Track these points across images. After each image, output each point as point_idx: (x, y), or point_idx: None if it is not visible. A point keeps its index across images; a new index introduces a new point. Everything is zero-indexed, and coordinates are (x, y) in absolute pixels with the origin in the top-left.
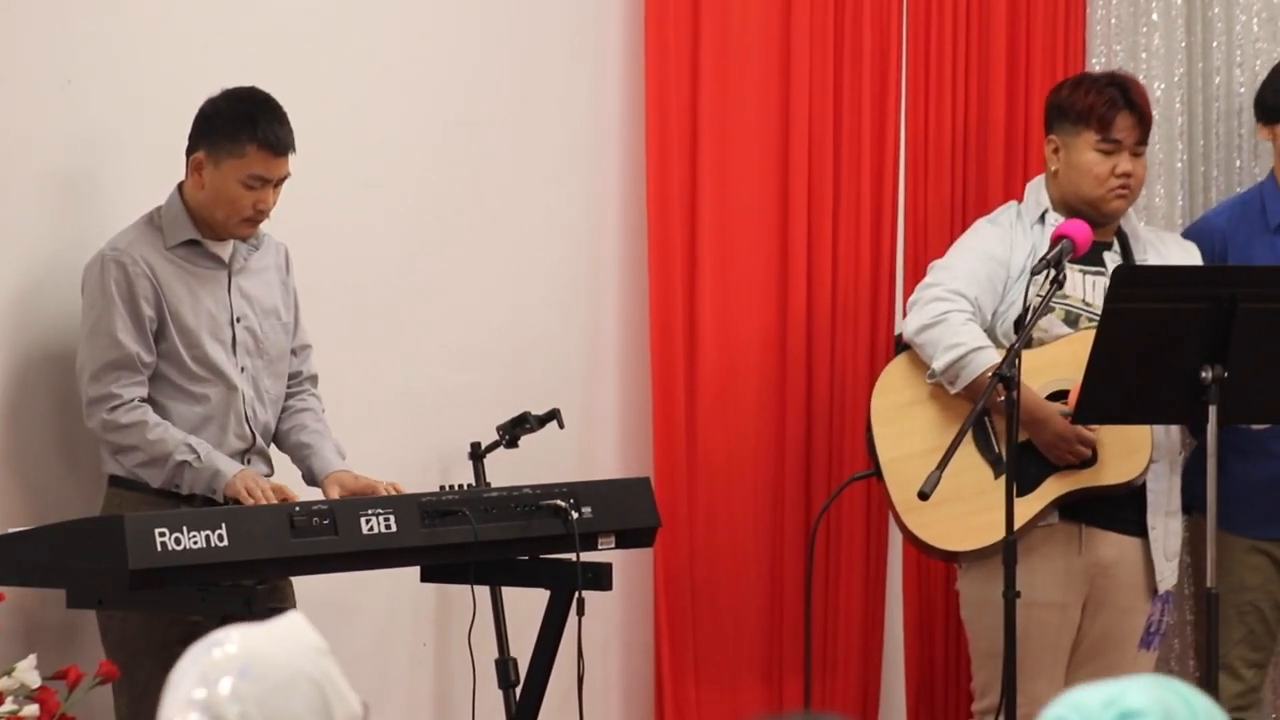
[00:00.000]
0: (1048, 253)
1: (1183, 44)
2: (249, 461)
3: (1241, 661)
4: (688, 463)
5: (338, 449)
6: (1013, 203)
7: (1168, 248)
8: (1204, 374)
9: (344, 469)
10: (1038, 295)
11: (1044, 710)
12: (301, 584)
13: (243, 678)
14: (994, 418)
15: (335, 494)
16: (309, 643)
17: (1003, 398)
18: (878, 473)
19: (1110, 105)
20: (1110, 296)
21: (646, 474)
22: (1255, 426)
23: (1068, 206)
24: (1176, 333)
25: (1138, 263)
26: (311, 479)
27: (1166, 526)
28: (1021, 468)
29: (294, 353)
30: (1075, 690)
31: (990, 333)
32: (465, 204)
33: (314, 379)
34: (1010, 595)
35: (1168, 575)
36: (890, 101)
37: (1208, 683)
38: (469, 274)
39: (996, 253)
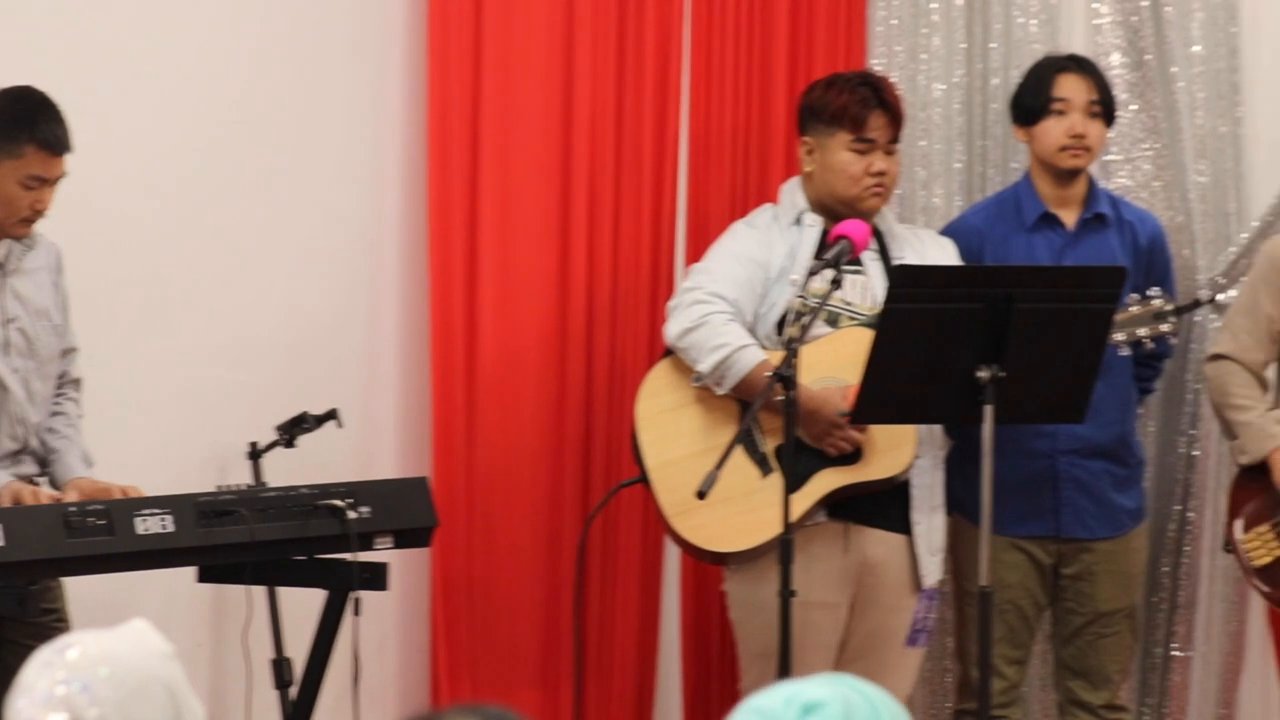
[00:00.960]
0: (826, 252)
1: (962, 45)
2: (21, 463)
3: (1002, 659)
4: (466, 463)
5: (84, 455)
6: (768, 205)
7: (925, 246)
8: (980, 374)
9: (86, 475)
10: (800, 296)
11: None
12: (77, 584)
13: (100, 681)
14: (760, 416)
15: (73, 499)
16: (158, 648)
17: (781, 397)
18: (645, 478)
19: (863, 105)
20: (889, 296)
21: (425, 474)
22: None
23: (824, 207)
24: (954, 333)
25: (896, 261)
26: (54, 483)
27: (930, 522)
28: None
29: (60, 355)
30: (753, 697)
31: (751, 334)
32: (243, 202)
33: (76, 383)
34: (785, 594)
35: (932, 571)
36: (671, 99)
37: (982, 680)
38: (247, 273)
39: (755, 255)
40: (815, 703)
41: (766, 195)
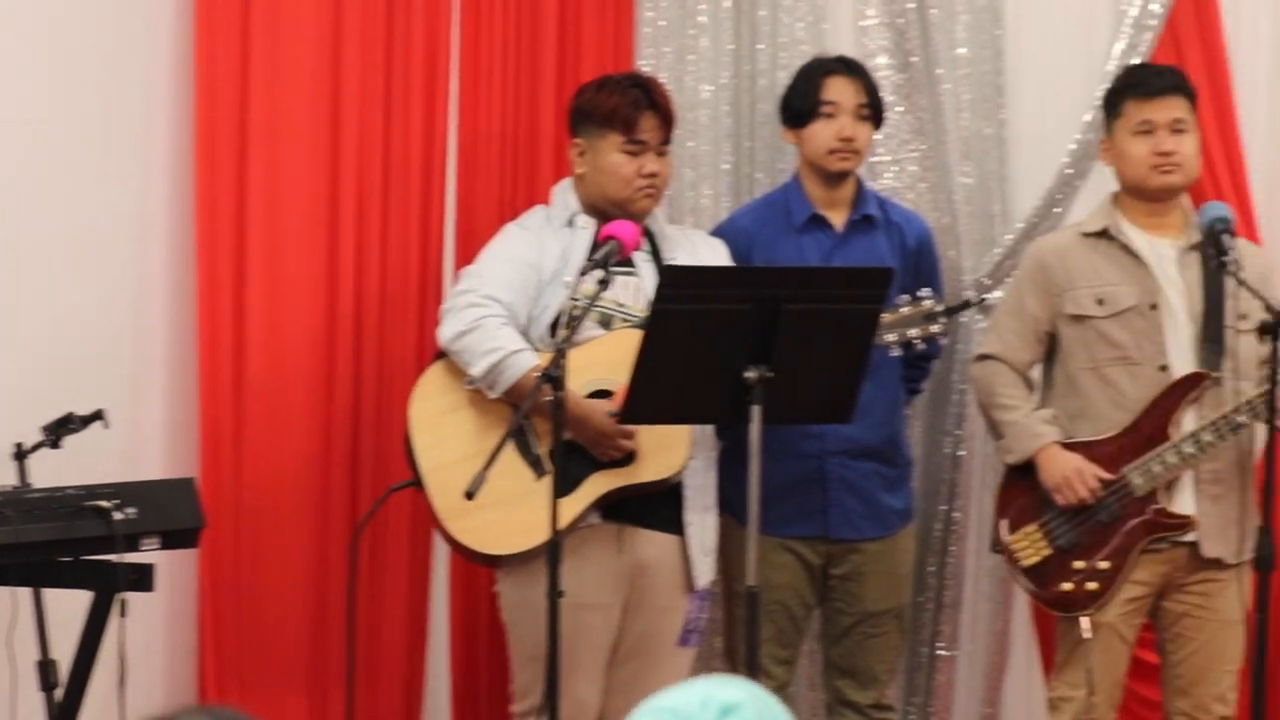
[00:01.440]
0: (595, 253)
1: (730, 47)
2: None
3: (771, 659)
4: (234, 466)
5: None
6: (540, 207)
7: (697, 247)
8: (748, 374)
9: None
10: (573, 299)
11: (630, 716)
12: None
13: None
14: (535, 419)
15: None
16: None
17: (548, 398)
18: (418, 481)
19: (634, 106)
20: (658, 297)
21: (192, 476)
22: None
23: (596, 209)
24: (722, 333)
25: (667, 262)
26: None
27: (703, 523)
28: (564, 467)
29: None
30: (658, 697)
31: (525, 336)
32: (7, 201)
33: None
34: (554, 595)
35: (704, 571)
36: (439, 101)
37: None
38: (11, 272)
39: (528, 256)
40: (732, 704)
41: (535, 198)
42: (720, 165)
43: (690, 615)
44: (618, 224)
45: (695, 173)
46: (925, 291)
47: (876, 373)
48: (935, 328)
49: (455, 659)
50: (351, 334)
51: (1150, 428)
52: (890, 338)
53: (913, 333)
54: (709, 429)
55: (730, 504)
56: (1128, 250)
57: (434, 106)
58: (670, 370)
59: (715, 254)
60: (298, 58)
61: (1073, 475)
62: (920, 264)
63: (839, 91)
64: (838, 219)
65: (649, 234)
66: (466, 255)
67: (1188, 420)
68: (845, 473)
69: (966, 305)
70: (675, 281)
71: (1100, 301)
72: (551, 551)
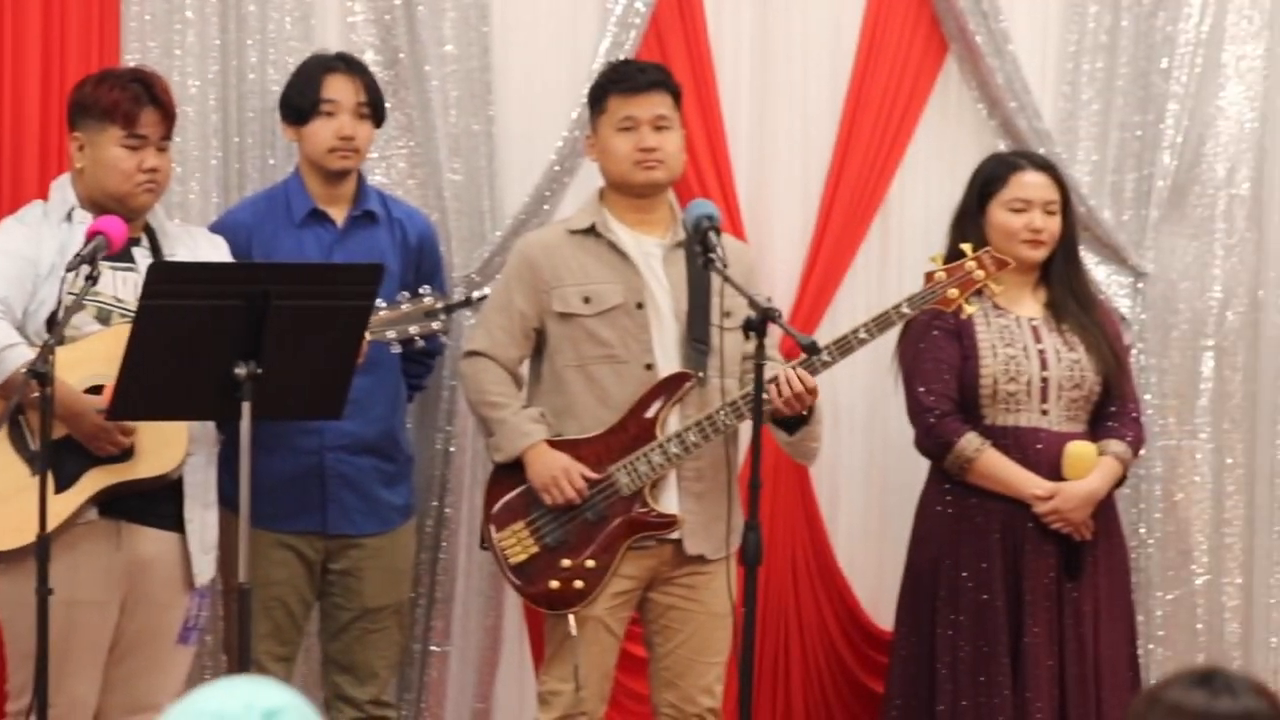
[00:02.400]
0: (81, 249)
1: (217, 41)
2: None
3: (269, 656)
4: None
5: None
6: (38, 201)
7: (197, 243)
8: (238, 370)
9: None
10: (70, 293)
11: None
12: None
13: None
14: (29, 414)
15: None
16: None
17: (37, 394)
18: None
19: (134, 101)
20: (144, 294)
21: None
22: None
23: (95, 203)
24: (212, 329)
25: (168, 258)
26: None
27: (203, 519)
28: (60, 463)
29: None
30: (197, 698)
31: (23, 331)
32: None
33: None
34: (43, 592)
35: (205, 568)
36: None
37: None
38: None
39: (25, 251)
40: (275, 708)
41: (23, 192)
42: (209, 161)
43: (190, 613)
44: (105, 220)
45: (183, 168)
46: (426, 289)
47: (377, 368)
48: (436, 324)
49: None
50: None
51: (636, 427)
52: (391, 334)
53: (414, 329)
54: (210, 425)
55: (230, 499)
56: (614, 248)
57: None
58: (158, 366)
59: (217, 251)
60: None
61: (560, 474)
62: (423, 261)
63: (339, 90)
64: (338, 214)
65: (150, 230)
66: None
67: (673, 419)
68: (344, 468)
69: (468, 302)
70: (161, 278)
71: (587, 299)
72: (40, 549)
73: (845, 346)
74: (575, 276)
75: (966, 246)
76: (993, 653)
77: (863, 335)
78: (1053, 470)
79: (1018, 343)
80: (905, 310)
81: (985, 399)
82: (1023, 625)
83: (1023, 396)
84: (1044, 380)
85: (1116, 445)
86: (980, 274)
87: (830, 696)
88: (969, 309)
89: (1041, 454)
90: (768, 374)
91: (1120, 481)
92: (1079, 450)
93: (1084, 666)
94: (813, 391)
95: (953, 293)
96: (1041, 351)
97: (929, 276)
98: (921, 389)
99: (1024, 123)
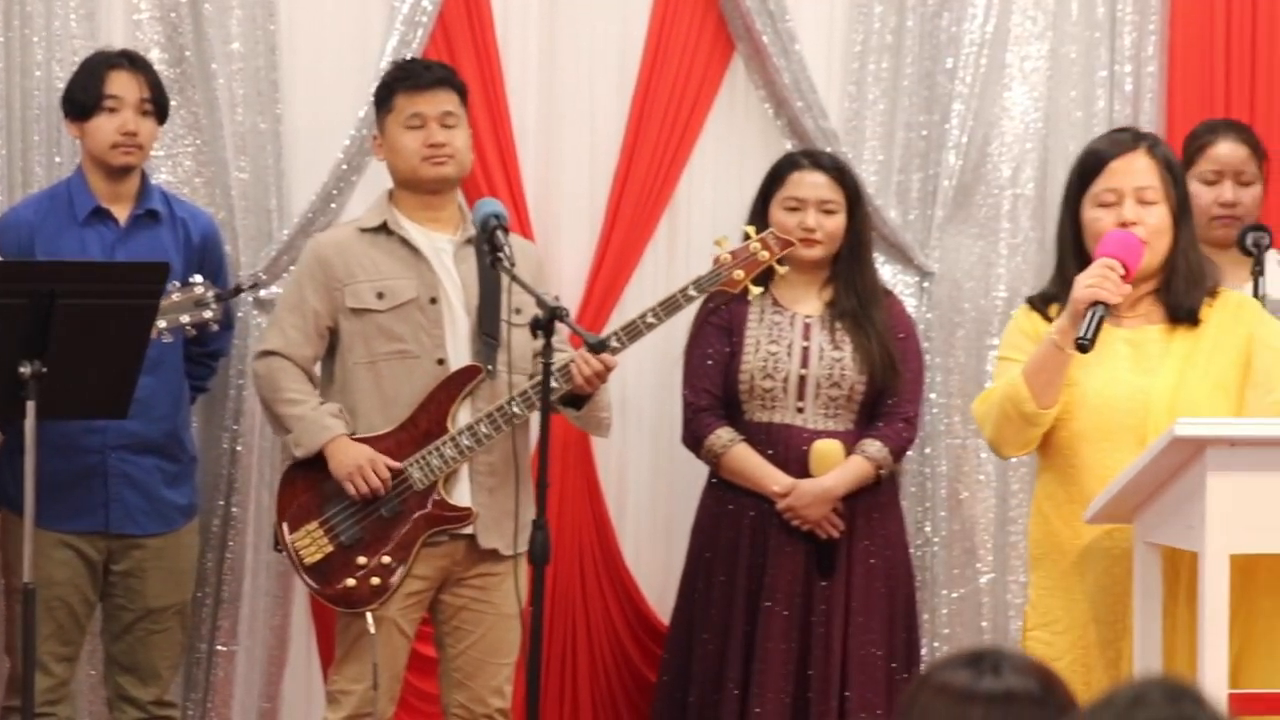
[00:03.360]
0: None
1: (1, 39)
2: None
3: (51, 656)
4: None
5: None
6: None
7: None
8: (23, 369)
9: None
10: None
11: None
12: None
13: None
14: None
15: None
16: None
17: None
18: None
19: None
20: None
21: None
22: None
23: None
24: None
25: None
26: None
27: None
28: None
29: None
30: None
31: None
32: None
33: None
34: None
35: None
36: None
37: (26, 679)
38: None
39: None
40: None
41: None
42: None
43: None
44: None
45: None
46: (197, 278)
47: (160, 367)
48: (207, 314)
49: None
50: None
51: (428, 422)
52: (161, 324)
53: (185, 319)
54: None
55: (11, 499)
56: (407, 244)
57: None
58: None
59: None
60: None
61: (365, 464)
62: (206, 259)
63: (122, 86)
64: (121, 213)
65: None
66: None
67: (464, 413)
68: (126, 468)
69: (238, 291)
70: None
71: (380, 295)
72: None
73: (634, 332)
74: (368, 273)
75: (749, 229)
76: (730, 646)
77: (650, 320)
78: (803, 468)
79: (783, 340)
80: (692, 293)
81: (744, 395)
82: (759, 622)
83: (779, 393)
84: (801, 378)
85: (870, 446)
86: (765, 255)
87: (617, 693)
88: (755, 290)
89: (793, 451)
90: (562, 360)
91: (877, 481)
92: (823, 449)
93: (830, 665)
94: (610, 369)
95: (738, 274)
96: (805, 349)
97: (716, 260)
98: (687, 384)
99: (810, 122)
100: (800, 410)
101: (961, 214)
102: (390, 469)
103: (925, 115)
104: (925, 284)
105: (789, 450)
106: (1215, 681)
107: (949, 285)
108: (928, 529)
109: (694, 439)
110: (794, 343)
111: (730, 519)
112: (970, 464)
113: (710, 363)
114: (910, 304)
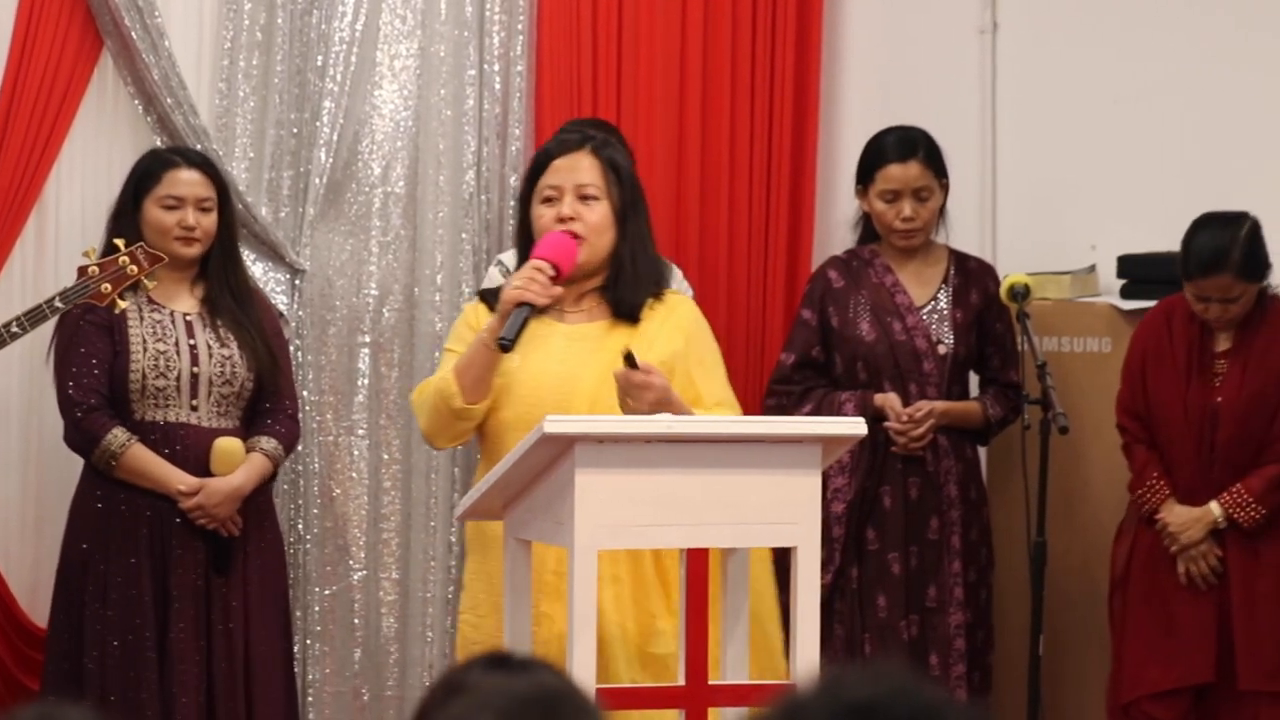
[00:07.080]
0: None
1: None
2: None
3: None
4: None
5: None
6: None
7: None
8: None
9: None
10: None
11: None
12: None
13: None
14: None
15: None
16: None
17: None
18: None
19: None
20: None
21: None
22: None
23: None
24: None
25: None
26: None
27: None
28: None
29: None
30: None
31: None
32: None
33: None
34: None
35: None
36: None
37: None
38: None
39: None
40: None
41: None
42: None
43: None
44: None
45: None
46: None
47: None
48: None
49: None
50: None
51: None
52: None
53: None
54: None
55: None
56: None
57: None
58: None
59: None
60: None
61: None
62: None
63: None
64: None
65: None
66: None
67: None
68: None
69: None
70: None
71: None
72: None
73: None
74: None
75: (120, 242)
76: (140, 648)
77: (15, 329)
78: (201, 466)
79: (169, 338)
80: (59, 305)
81: (135, 394)
82: (169, 622)
83: (172, 392)
84: (194, 376)
85: (267, 442)
86: (133, 269)
87: None
88: (122, 304)
89: (190, 450)
90: None
91: (272, 477)
92: (225, 446)
93: (234, 663)
94: None
95: (106, 287)
96: (193, 347)
97: (82, 270)
98: (70, 384)
99: (181, 119)
100: (195, 408)
101: (333, 212)
102: None
103: (296, 113)
104: (297, 281)
105: (186, 449)
106: (584, 675)
107: (321, 283)
108: (300, 526)
109: (86, 439)
110: (180, 341)
111: (124, 519)
112: (343, 461)
113: (95, 361)
114: (282, 302)
